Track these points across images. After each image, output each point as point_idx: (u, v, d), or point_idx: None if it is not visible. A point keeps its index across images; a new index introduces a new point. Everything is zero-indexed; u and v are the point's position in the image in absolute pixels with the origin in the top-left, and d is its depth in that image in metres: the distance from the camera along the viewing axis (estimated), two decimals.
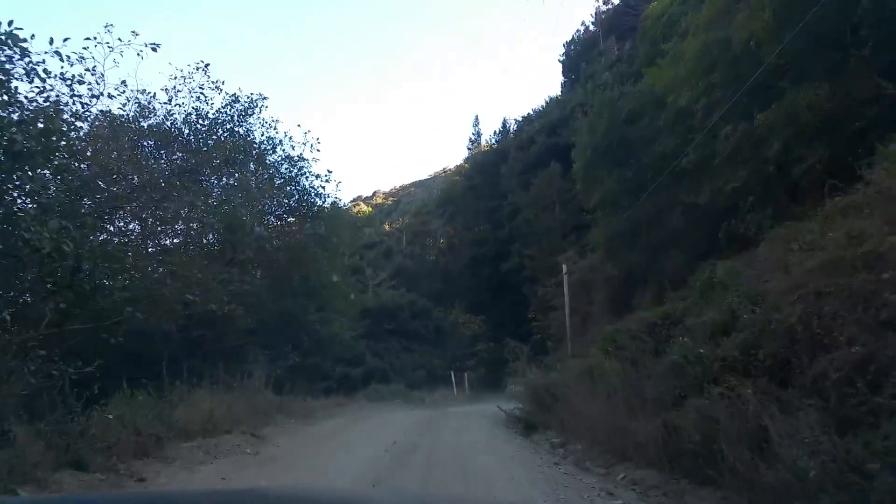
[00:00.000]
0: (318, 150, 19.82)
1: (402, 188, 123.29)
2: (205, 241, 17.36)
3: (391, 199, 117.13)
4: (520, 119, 55.97)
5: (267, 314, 18.45)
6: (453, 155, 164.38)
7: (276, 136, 20.11)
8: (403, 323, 34.14)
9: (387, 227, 78.18)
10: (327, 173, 22.14)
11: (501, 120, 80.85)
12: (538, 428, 14.14)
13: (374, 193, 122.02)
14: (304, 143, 20.23)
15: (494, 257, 57.56)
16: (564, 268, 33.41)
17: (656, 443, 8.22)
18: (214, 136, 17.63)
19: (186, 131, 17.52)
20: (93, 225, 10.64)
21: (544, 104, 53.99)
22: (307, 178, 20.22)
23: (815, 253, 7.93)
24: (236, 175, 18.32)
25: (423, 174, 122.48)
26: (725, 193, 17.72)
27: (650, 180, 22.32)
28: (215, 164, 17.59)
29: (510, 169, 52.19)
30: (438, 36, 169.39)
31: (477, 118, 67.73)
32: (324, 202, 20.78)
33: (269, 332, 19.16)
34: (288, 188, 20.25)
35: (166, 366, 13.67)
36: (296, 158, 19.51)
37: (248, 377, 15.39)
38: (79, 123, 12.26)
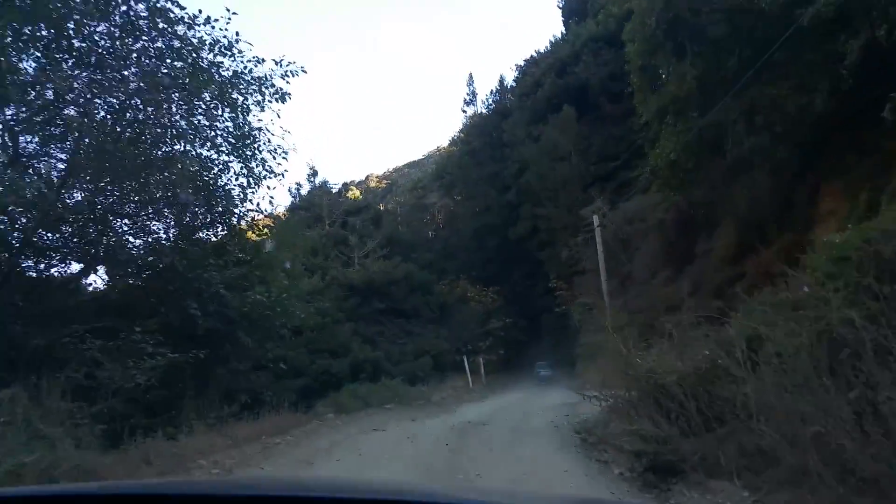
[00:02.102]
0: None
1: (396, 170, 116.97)
2: None
3: (385, 181, 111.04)
4: (521, 64, 48.94)
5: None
6: (447, 132, 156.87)
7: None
8: (399, 300, 27.52)
9: (381, 207, 71.58)
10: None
11: (498, 77, 72.78)
12: (682, 471, 6.70)
13: (367, 177, 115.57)
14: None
15: (502, 225, 50.91)
16: (596, 219, 26.69)
17: None
18: None
19: None
20: None
21: (549, 46, 46.98)
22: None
23: None
24: None
25: (417, 154, 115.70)
26: None
27: (738, 68, 15.44)
28: None
29: (515, 121, 45.36)
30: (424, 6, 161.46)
31: (471, 76, 60.52)
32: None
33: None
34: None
35: None
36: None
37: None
38: None
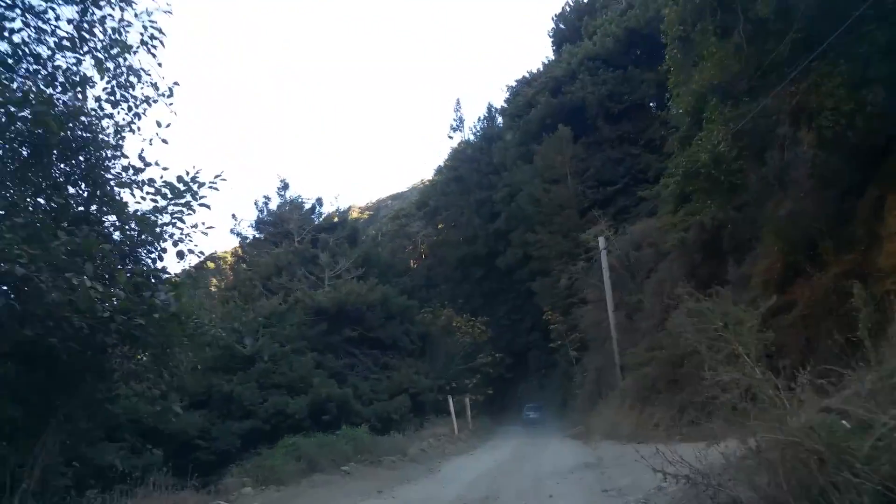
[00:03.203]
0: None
1: (379, 201, 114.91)
2: None
3: (367, 213, 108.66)
4: (513, 85, 46.33)
5: None
6: (432, 164, 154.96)
7: None
8: (374, 328, 23.63)
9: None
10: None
11: (487, 104, 70.23)
12: None
13: (350, 208, 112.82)
14: None
15: (488, 255, 47.82)
16: (602, 241, 23.57)
17: None
18: None
19: None
20: None
21: (542, 66, 44.52)
22: None
23: None
24: None
25: (402, 187, 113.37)
26: None
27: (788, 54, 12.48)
28: None
29: (506, 143, 42.62)
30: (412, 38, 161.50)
31: (458, 102, 58.24)
32: None
33: None
34: None
35: None
36: None
37: None
38: None
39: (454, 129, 59.59)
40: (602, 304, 25.57)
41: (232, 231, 29.78)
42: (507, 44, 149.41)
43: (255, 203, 29.70)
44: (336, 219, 31.03)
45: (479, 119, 58.47)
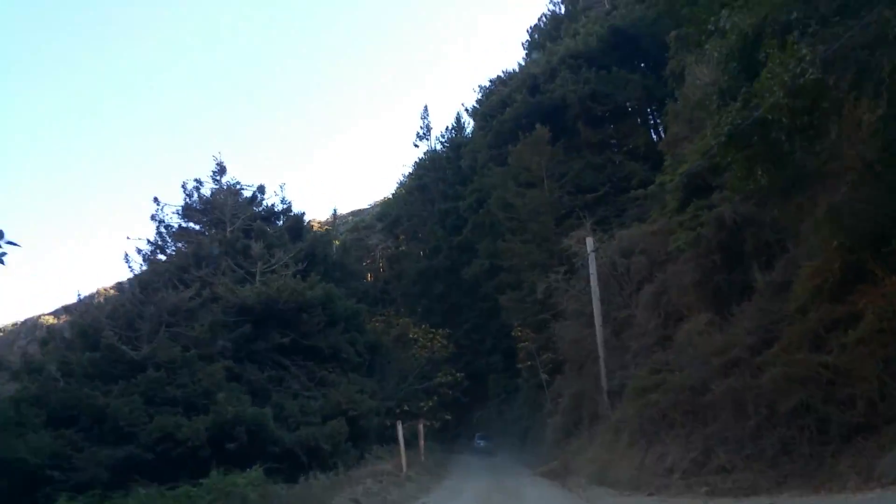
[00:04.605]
0: None
1: (339, 217, 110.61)
2: None
3: (326, 227, 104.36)
4: (486, 85, 42.75)
5: None
6: (395, 179, 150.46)
7: None
8: (312, 334, 19.12)
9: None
10: None
11: (455, 114, 66.47)
12: None
13: (308, 223, 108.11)
14: None
15: (450, 268, 43.98)
16: (590, 243, 19.95)
17: None
18: None
19: None
20: None
21: (518, 67, 41.30)
22: None
23: None
24: None
25: (363, 203, 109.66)
26: None
27: None
28: None
29: (476, 143, 39.15)
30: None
31: (426, 109, 54.13)
32: None
33: None
34: None
35: None
36: None
37: None
38: None
39: (420, 138, 55.98)
40: (584, 319, 21.82)
41: (153, 218, 25.06)
42: (479, 54, 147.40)
43: (184, 186, 25.08)
44: (279, 208, 26.44)
45: (447, 129, 55.17)
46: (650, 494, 11.03)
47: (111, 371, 15.18)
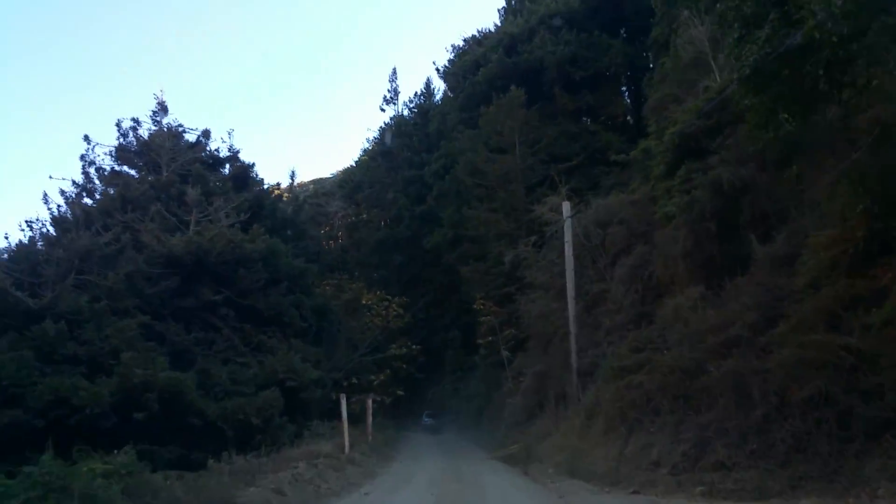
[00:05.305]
0: None
1: (301, 185, 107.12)
2: None
3: (287, 194, 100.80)
4: (459, 44, 40.12)
5: None
6: (360, 147, 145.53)
7: None
8: (250, 292, 16.92)
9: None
10: None
11: (425, 80, 63.24)
12: None
13: (270, 189, 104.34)
14: None
15: (411, 238, 41.88)
16: (566, 207, 18.14)
17: None
18: None
19: None
20: None
21: (495, 27, 38.82)
22: None
23: None
24: None
25: (325, 172, 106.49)
26: None
27: None
28: None
29: (445, 104, 36.89)
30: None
31: (395, 72, 51.27)
32: None
33: None
34: None
35: None
36: None
37: None
38: None
39: (387, 102, 53.15)
40: (553, 292, 20.18)
41: (82, 158, 22.11)
42: (455, 14, 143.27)
43: (118, 125, 22.16)
44: (225, 155, 23.69)
45: (415, 94, 52.48)
46: (634, 492, 9.34)
47: (1, 320, 12.69)
